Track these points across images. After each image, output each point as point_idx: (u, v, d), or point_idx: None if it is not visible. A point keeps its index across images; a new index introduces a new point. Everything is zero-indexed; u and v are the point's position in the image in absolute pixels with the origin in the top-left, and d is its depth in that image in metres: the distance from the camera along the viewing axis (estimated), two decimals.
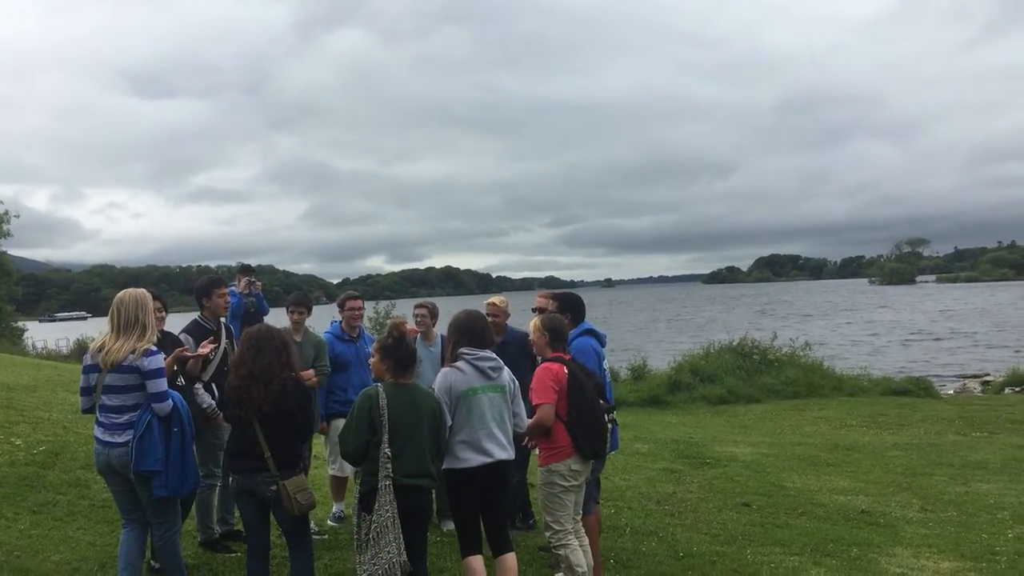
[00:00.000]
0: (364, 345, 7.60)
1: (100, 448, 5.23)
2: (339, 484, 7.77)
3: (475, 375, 5.24)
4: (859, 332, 48.30)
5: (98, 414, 5.24)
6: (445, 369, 5.32)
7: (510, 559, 5.34)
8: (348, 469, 7.48)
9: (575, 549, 5.68)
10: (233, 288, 9.34)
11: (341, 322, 7.64)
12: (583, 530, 5.99)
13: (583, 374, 5.89)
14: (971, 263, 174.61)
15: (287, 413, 5.09)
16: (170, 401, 5.17)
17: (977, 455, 12.42)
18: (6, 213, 39.23)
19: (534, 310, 7.14)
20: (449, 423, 5.15)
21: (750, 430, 15.41)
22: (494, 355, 5.38)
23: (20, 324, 42.01)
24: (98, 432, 5.24)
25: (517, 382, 5.56)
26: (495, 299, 7.64)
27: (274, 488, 5.01)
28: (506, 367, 5.47)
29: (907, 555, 7.46)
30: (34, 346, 30.59)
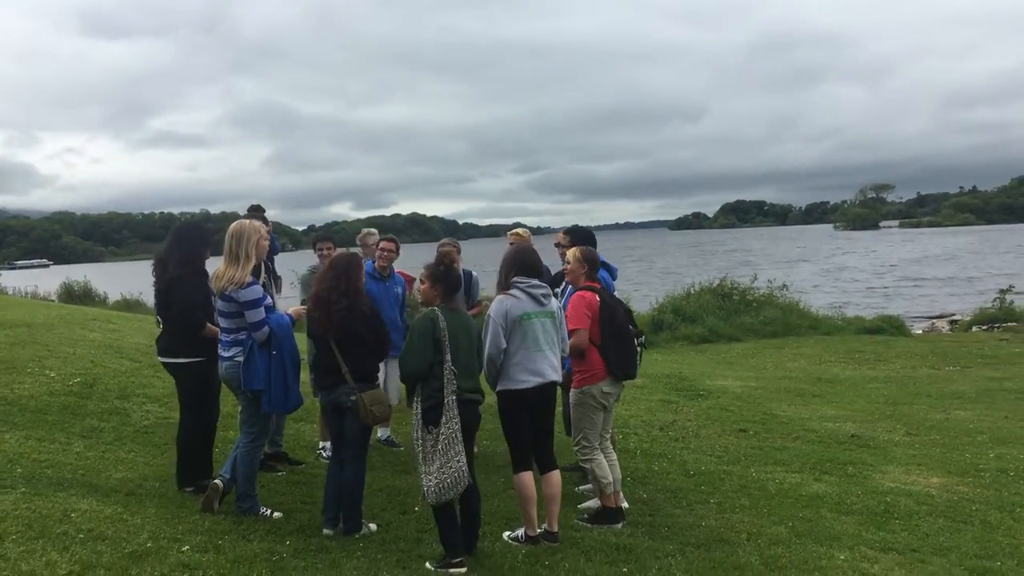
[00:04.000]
0: (393, 285, 7.94)
1: (219, 362, 5.87)
2: None
3: (529, 301, 5.63)
4: (827, 276, 49.32)
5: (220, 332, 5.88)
6: (500, 296, 5.71)
7: (556, 475, 5.81)
8: (394, 398, 7.86)
9: (600, 463, 6.17)
10: None
11: (373, 261, 7.96)
12: (610, 446, 6.49)
13: (613, 301, 6.37)
14: (933, 208, 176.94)
15: (355, 335, 5.55)
16: (266, 329, 5.67)
17: (953, 387, 13.11)
18: None
19: (557, 245, 7.60)
20: (503, 346, 5.56)
21: (735, 366, 16.00)
22: (545, 284, 5.78)
23: None
24: (219, 348, 5.87)
25: (563, 310, 5.98)
26: (519, 230, 8.03)
27: (353, 399, 5.52)
28: (554, 296, 5.87)
29: (899, 472, 8.06)
30: (15, 291, 30.36)
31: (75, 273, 30.56)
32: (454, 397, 5.17)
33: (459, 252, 8.04)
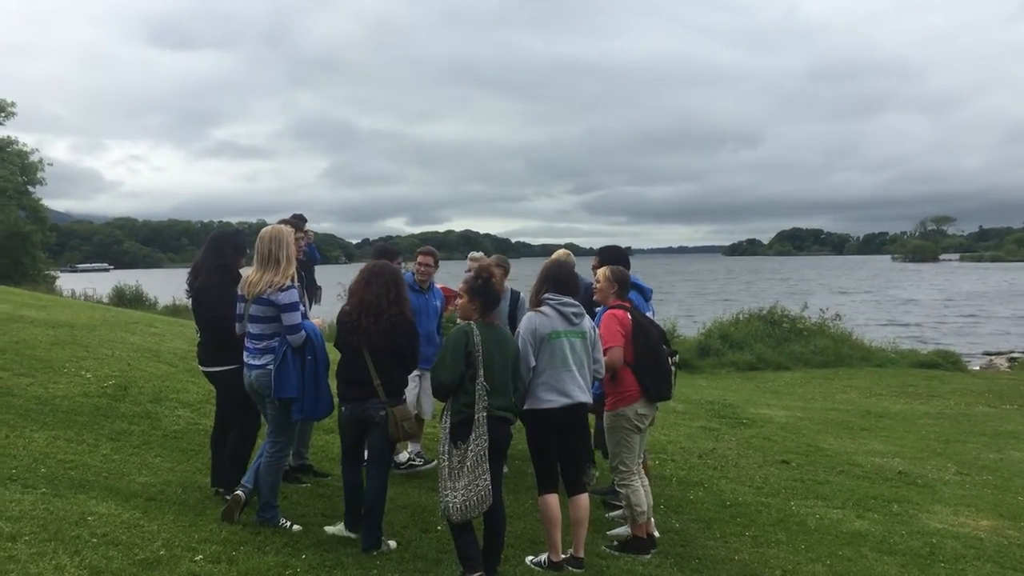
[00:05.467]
0: (432, 298, 7.83)
1: (245, 370, 5.79)
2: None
3: (558, 319, 5.46)
4: (883, 307, 48.27)
5: (245, 339, 5.79)
6: (530, 313, 5.57)
7: (583, 499, 5.61)
8: (428, 412, 7.75)
9: (637, 490, 5.96)
10: None
11: (414, 274, 7.85)
12: (643, 471, 6.27)
13: (646, 321, 6.18)
14: (995, 243, 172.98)
15: (395, 345, 5.46)
16: (303, 333, 5.62)
17: (1008, 425, 12.61)
18: (40, 161, 39.73)
19: (594, 269, 7.43)
20: (532, 364, 5.40)
21: (781, 395, 15.62)
22: (577, 302, 5.60)
23: (52, 272, 42.70)
24: (245, 355, 5.79)
25: (597, 329, 5.78)
26: (557, 253, 7.87)
27: (383, 414, 5.42)
28: (587, 315, 5.69)
29: (947, 513, 7.71)
30: (72, 293, 30.98)
31: (133, 278, 31.04)
32: (484, 414, 5.04)
33: (507, 272, 7.86)
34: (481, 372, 5.07)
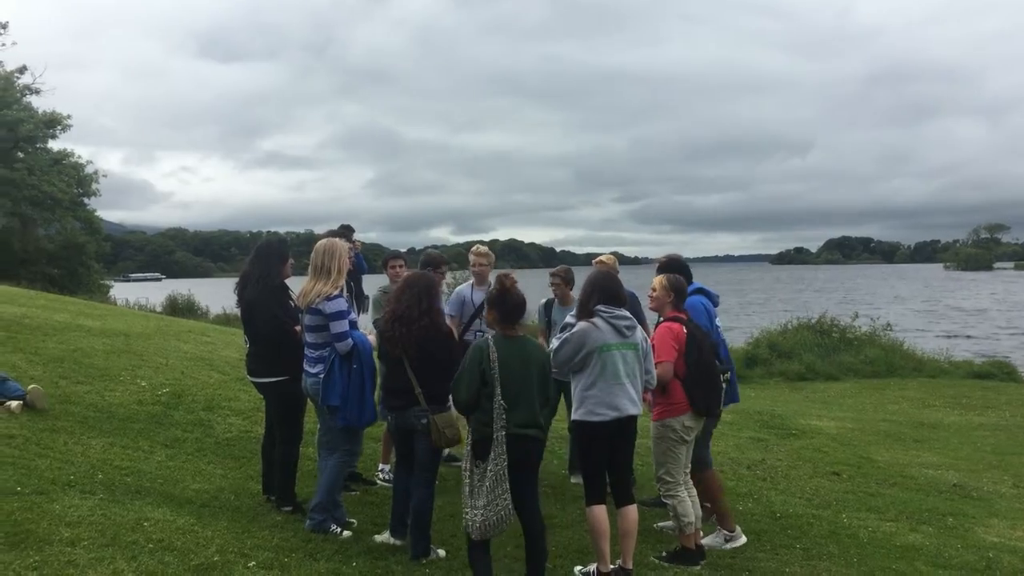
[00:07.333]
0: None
1: (304, 377, 6.00)
2: None
3: (610, 332, 5.42)
4: (935, 317, 47.39)
5: (305, 348, 6.00)
6: (583, 323, 5.48)
7: (632, 511, 5.58)
8: None
9: (683, 500, 5.94)
10: None
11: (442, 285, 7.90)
12: (691, 482, 6.23)
13: (700, 334, 6.15)
14: None
15: (429, 354, 5.50)
16: (350, 341, 5.74)
17: None
18: (95, 173, 40.48)
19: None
20: (568, 371, 5.42)
21: (831, 406, 15.42)
22: (629, 314, 5.57)
23: (106, 282, 43.53)
24: (304, 363, 6.00)
25: (649, 340, 5.76)
26: (603, 257, 7.85)
27: (424, 421, 5.47)
28: (639, 326, 5.67)
29: (1003, 527, 7.56)
30: (126, 302, 31.54)
31: (185, 287, 31.61)
32: (503, 432, 4.95)
33: (568, 283, 7.77)
34: (498, 390, 4.97)
